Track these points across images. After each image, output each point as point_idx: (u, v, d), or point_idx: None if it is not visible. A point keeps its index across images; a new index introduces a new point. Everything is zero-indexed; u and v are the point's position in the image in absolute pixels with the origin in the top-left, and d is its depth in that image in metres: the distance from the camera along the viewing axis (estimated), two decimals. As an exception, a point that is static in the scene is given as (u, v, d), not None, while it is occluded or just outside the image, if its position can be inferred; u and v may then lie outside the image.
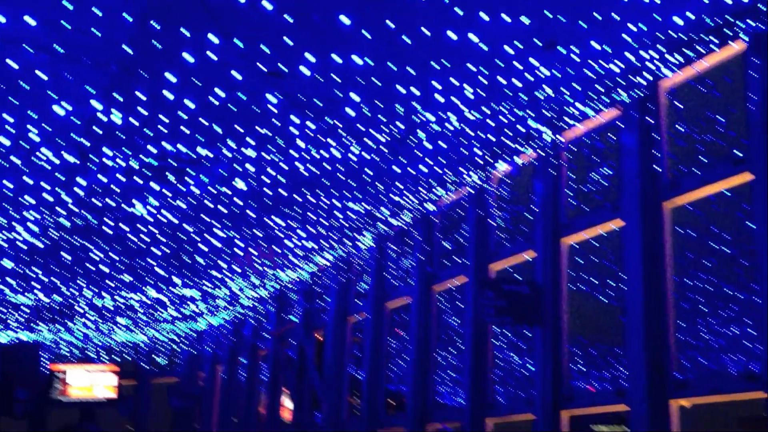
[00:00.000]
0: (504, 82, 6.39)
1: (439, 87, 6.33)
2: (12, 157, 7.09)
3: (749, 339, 6.27)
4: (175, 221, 9.00)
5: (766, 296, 5.93)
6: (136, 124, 6.67)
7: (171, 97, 6.14)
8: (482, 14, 5.33)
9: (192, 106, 6.35)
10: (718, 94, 6.86)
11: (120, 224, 9.08)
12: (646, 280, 7.03)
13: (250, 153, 7.19)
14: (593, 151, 8.18)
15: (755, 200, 6.24)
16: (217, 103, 6.25)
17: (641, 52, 6.48)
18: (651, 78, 7.12)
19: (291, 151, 7.25)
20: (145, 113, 6.50)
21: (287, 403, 14.31)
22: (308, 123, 6.76)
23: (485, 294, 8.02)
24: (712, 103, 6.89)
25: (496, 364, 9.14)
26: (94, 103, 6.27)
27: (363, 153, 7.39)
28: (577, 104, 7.56)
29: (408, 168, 8.21)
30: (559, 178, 8.43)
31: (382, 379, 11.36)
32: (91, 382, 19.62)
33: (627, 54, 6.44)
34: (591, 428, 7.48)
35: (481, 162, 8.75)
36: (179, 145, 7.09)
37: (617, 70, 6.74)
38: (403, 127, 6.95)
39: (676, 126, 7.19)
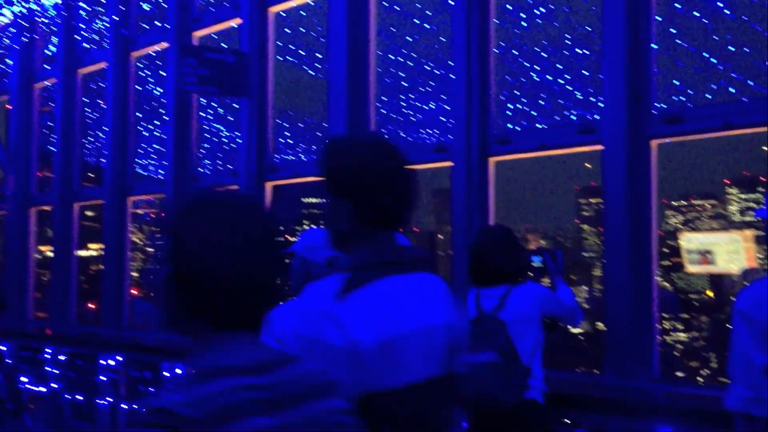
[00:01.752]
0: None
1: None
2: None
3: (444, 114, 6.62)
4: None
5: (460, 72, 6.21)
6: None
7: None
8: None
9: None
10: None
11: None
12: (351, 54, 7.03)
13: None
14: None
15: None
16: None
17: None
18: None
19: None
20: None
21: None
22: None
23: (187, 62, 7.55)
24: None
25: (204, 137, 8.89)
26: None
27: None
28: None
29: None
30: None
31: (77, 150, 10.63)
32: None
33: None
34: (301, 200, 7.74)
35: None
36: None
37: None
38: None
39: None
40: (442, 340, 2.01)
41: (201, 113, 8.90)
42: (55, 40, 10.92)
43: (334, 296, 1.90)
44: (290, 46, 7.90)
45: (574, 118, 5.84)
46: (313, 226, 8.83)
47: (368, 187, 1.96)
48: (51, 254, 10.95)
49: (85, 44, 10.52)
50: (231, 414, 1.40)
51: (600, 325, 5.57)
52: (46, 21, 10.98)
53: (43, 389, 9.20)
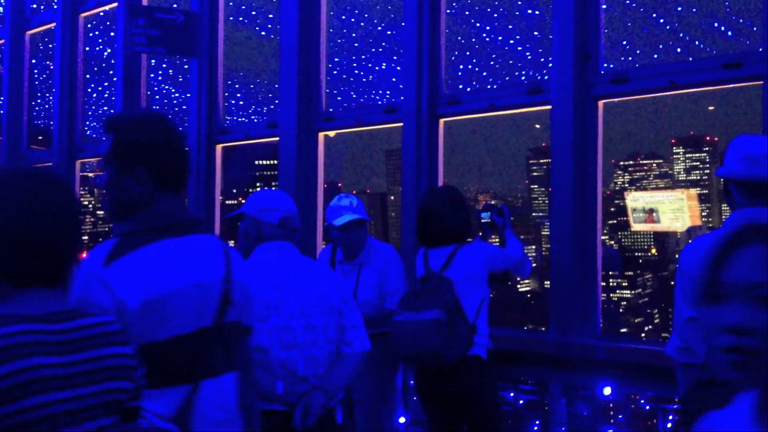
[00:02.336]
0: None
1: None
2: None
3: (394, 74, 6.57)
4: None
5: (411, 33, 6.15)
6: None
7: None
8: None
9: None
10: None
11: None
12: (302, 14, 6.92)
13: None
14: None
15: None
16: None
17: None
18: None
19: None
20: None
21: None
22: None
23: (136, 22, 7.39)
24: None
25: (154, 99, 8.74)
26: None
27: None
28: None
29: None
30: None
31: (25, 113, 10.40)
32: None
33: None
34: (253, 162, 7.65)
35: None
36: None
37: None
38: None
39: None
40: (216, 294, 2.25)
41: (150, 74, 8.73)
42: (2, 0, 10.62)
43: (103, 261, 2.13)
44: (241, 6, 7.77)
45: (524, 78, 5.83)
46: (265, 188, 8.76)
47: (162, 153, 2.24)
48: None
49: (33, 5, 10.26)
50: (11, 354, 1.59)
51: (548, 284, 5.63)
52: (-9, -20, 10.67)
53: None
